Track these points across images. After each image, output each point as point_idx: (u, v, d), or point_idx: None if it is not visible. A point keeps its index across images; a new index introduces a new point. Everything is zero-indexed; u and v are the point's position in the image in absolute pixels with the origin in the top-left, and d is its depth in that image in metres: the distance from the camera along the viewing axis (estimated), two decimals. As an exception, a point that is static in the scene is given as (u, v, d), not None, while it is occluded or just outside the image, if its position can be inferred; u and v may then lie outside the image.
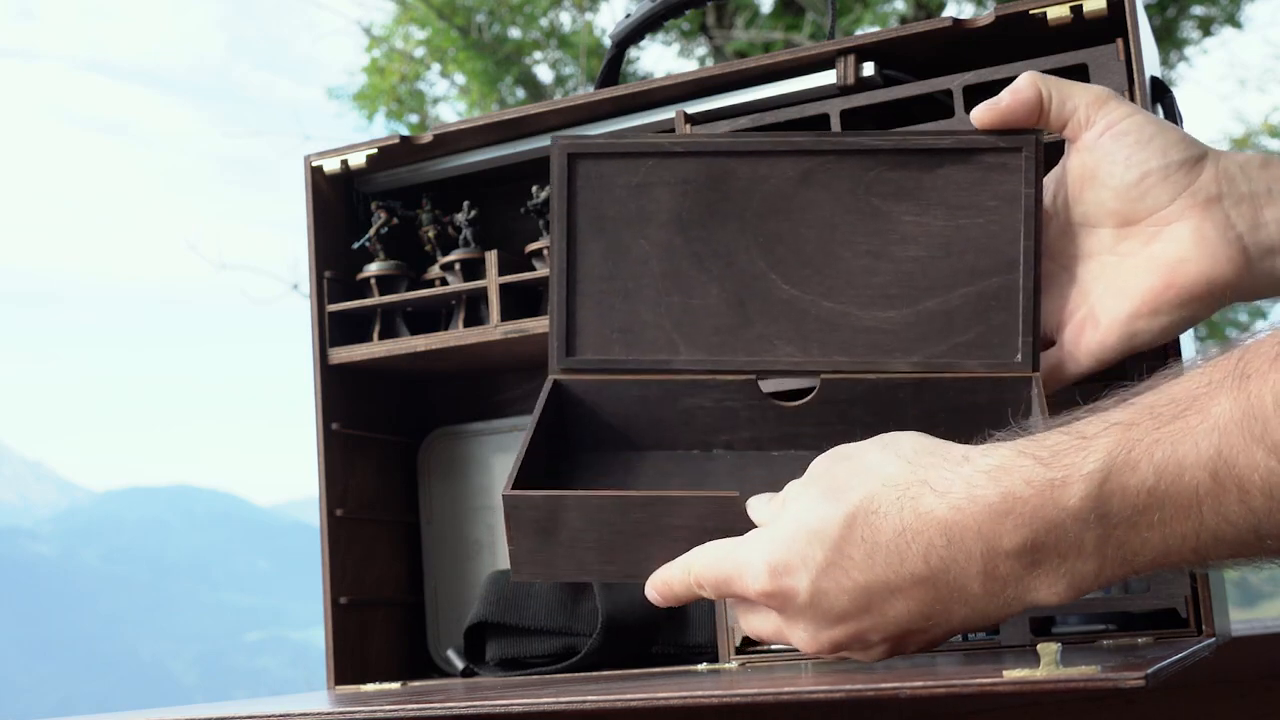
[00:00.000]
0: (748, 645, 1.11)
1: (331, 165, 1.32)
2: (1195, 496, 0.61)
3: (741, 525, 0.78)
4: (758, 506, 0.78)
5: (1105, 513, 0.63)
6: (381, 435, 1.38)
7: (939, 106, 1.12)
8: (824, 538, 0.70)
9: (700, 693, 0.65)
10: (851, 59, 1.14)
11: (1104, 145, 0.86)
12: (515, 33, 8.52)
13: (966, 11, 8.12)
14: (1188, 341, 1.05)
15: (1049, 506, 0.64)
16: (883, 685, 0.61)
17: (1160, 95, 1.08)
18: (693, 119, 1.18)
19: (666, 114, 1.22)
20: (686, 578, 0.78)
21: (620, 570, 0.82)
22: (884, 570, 0.68)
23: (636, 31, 1.26)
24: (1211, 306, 0.84)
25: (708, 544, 0.78)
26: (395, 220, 1.34)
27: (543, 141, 1.29)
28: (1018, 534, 0.65)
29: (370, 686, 1.20)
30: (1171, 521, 0.62)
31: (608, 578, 0.82)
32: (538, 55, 8.71)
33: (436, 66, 8.71)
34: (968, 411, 0.88)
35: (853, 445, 0.75)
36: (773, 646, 1.12)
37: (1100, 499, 0.63)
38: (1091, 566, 0.65)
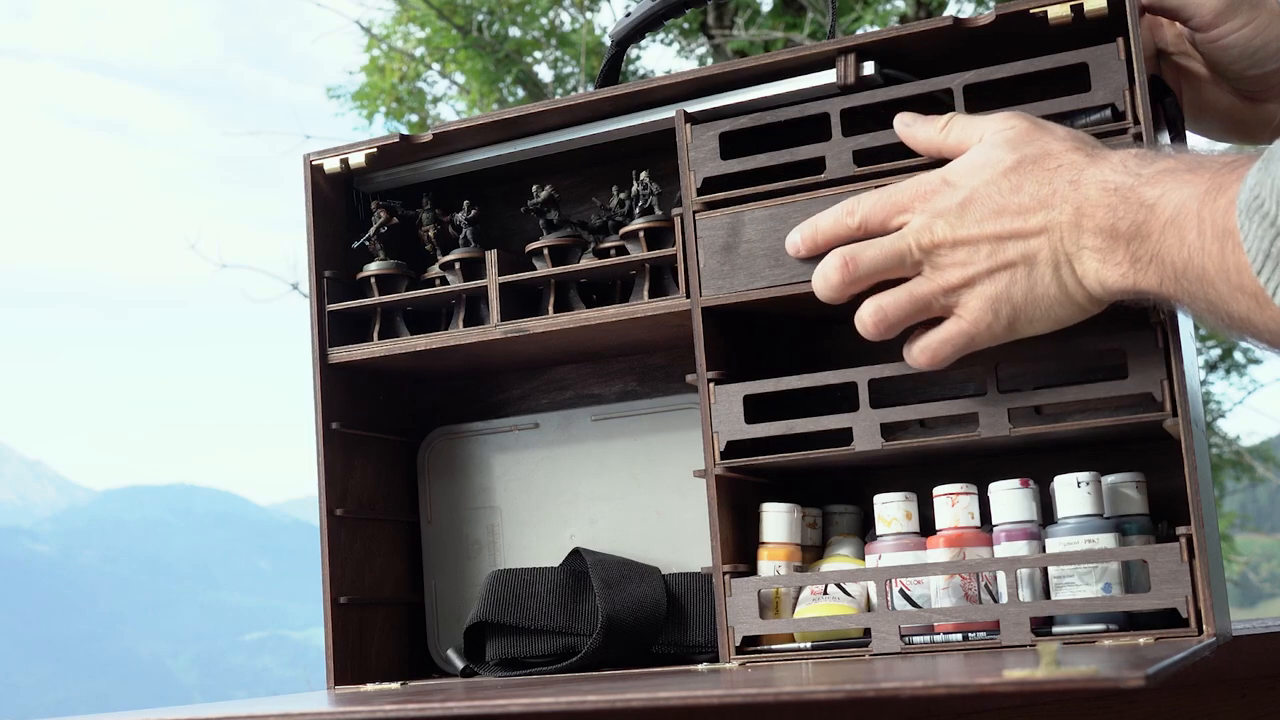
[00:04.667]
0: (747, 645, 1.11)
1: (331, 164, 1.32)
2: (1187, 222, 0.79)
3: None
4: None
5: (1152, 214, 0.83)
6: (381, 435, 1.38)
7: (939, 106, 1.12)
8: (994, 165, 0.93)
9: (700, 693, 0.65)
10: (852, 58, 1.14)
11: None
12: (515, 32, 8.52)
13: (967, 11, 8.11)
14: (1188, 340, 1.05)
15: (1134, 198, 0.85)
16: (883, 685, 0.61)
17: (1161, 95, 1.08)
18: (692, 118, 1.18)
19: (666, 113, 1.22)
20: (838, 209, 1.01)
21: None
22: (1030, 194, 0.91)
23: (637, 30, 1.26)
24: None
25: None
26: (395, 220, 1.34)
27: (538, 141, 1.29)
28: (1104, 202, 0.87)
29: (370, 686, 1.20)
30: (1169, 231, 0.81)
31: None
32: (538, 54, 8.71)
33: (436, 66, 8.70)
34: None
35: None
36: (773, 647, 1.12)
37: (1154, 208, 0.83)
38: (1121, 254, 0.86)
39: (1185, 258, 0.79)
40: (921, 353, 0.99)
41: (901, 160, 1.09)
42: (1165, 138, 1.09)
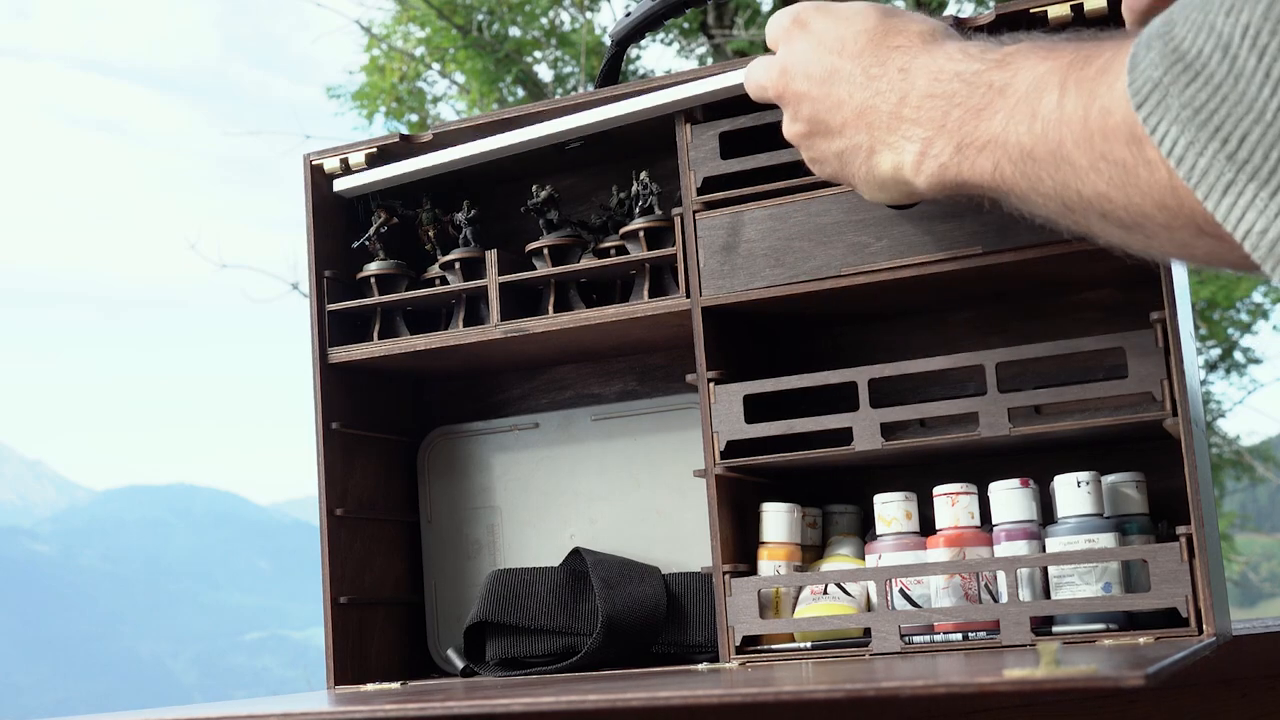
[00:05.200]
0: (747, 645, 1.11)
1: (331, 164, 1.32)
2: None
3: None
4: None
5: (955, 100, 0.80)
6: (381, 435, 1.38)
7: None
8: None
9: (700, 693, 0.65)
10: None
11: None
12: (515, 31, 8.51)
13: (967, 10, 8.11)
14: (1188, 340, 1.05)
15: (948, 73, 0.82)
16: (883, 685, 0.61)
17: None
18: (692, 118, 1.18)
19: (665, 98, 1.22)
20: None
21: None
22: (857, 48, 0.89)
23: (637, 30, 1.26)
24: None
25: None
26: (395, 219, 1.34)
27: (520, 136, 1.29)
28: (929, 82, 0.83)
29: (370, 686, 1.20)
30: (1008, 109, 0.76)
31: None
32: (538, 54, 8.70)
33: (436, 66, 8.70)
34: None
35: None
36: (773, 647, 1.12)
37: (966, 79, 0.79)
38: (941, 144, 0.81)
39: (1038, 133, 0.73)
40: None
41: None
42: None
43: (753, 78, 0.98)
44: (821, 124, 0.91)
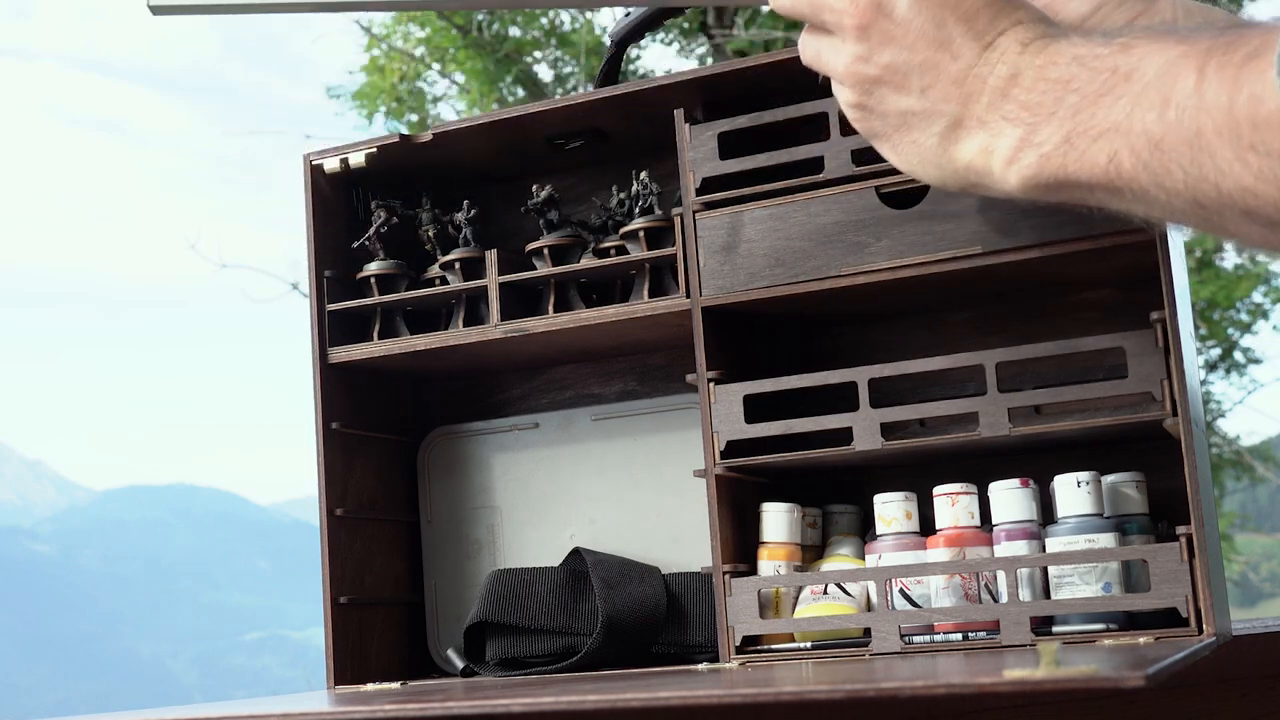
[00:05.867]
0: (747, 645, 1.11)
1: (331, 164, 1.32)
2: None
3: None
4: None
5: (1071, 85, 0.72)
6: (381, 435, 1.38)
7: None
8: None
9: (700, 693, 0.65)
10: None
11: None
12: (515, 31, 8.51)
13: (966, 11, 8.10)
14: (1187, 340, 1.05)
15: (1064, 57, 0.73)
16: (883, 685, 0.61)
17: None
18: (692, 118, 1.18)
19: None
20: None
21: None
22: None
23: (636, 30, 1.26)
24: None
25: None
26: (395, 219, 1.34)
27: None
28: (1033, 67, 0.73)
29: (370, 686, 1.20)
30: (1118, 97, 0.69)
31: None
32: (538, 54, 8.70)
33: (436, 66, 8.70)
34: None
35: None
36: (773, 647, 1.12)
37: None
38: (1048, 132, 0.72)
39: (1170, 121, 0.66)
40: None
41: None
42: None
43: None
44: (900, 76, 0.79)
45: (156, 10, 0.79)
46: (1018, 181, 0.75)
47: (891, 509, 1.12)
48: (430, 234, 1.34)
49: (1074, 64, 0.72)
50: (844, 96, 0.83)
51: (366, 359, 1.30)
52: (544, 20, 8.60)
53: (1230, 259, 7.58)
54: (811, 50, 0.85)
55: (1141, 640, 0.95)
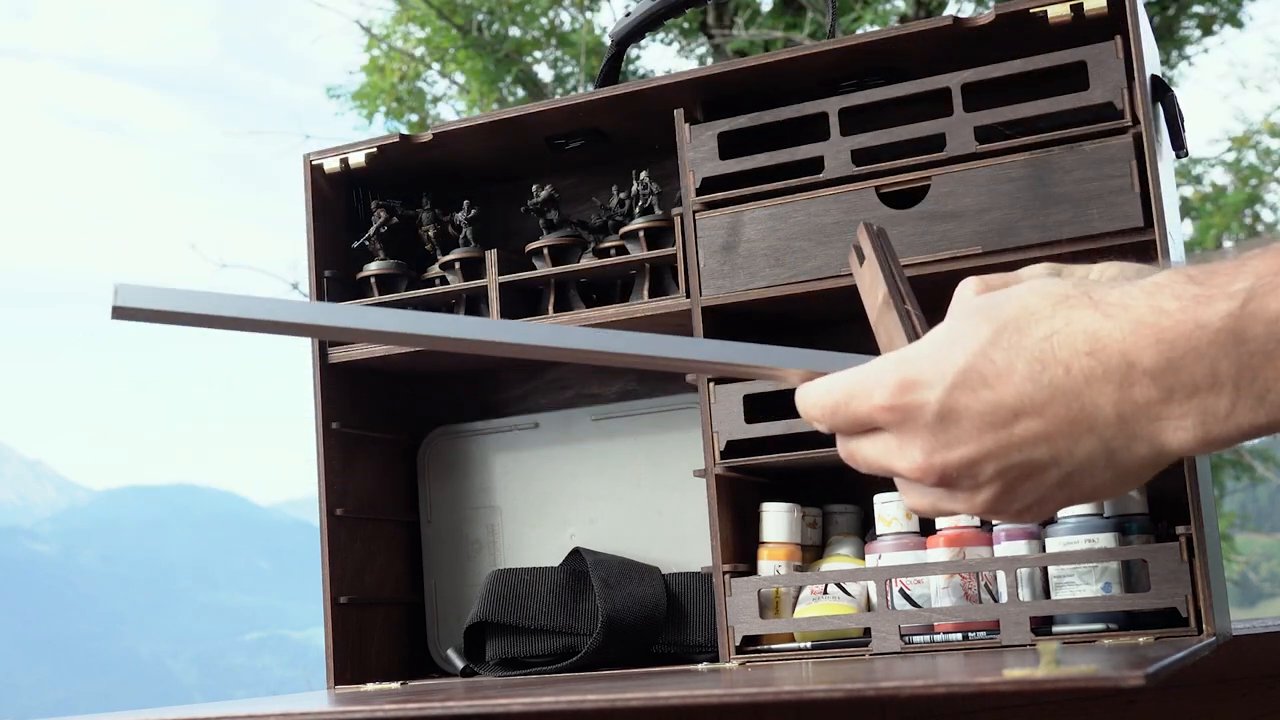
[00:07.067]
0: (747, 645, 1.11)
1: (331, 164, 1.32)
2: None
3: None
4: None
5: (1244, 336, 0.61)
6: (381, 435, 1.38)
7: (938, 104, 1.12)
8: (965, 346, 0.66)
9: (700, 692, 0.65)
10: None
11: None
12: (515, 31, 8.51)
13: (967, 10, 8.12)
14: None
15: (1190, 324, 0.62)
16: (883, 685, 0.61)
17: (1160, 94, 1.08)
18: (692, 118, 1.18)
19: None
20: (803, 398, 0.74)
21: None
22: (1022, 379, 0.65)
23: (636, 30, 1.26)
24: None
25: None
26: (395, 219, 1.34)
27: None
28: (1157, 351, 0.62)
29: (370, 686, 1.20)
30: None
31: None
32: (538, 54, 8.70)
33: (436, 66, 8.70)
34: None
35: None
36: (773, 647, 1.12)
37: (1241, 319, 0.60)
38: (1224, 402, 0.62)
39: None
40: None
41: (900, 159, 1.09)
42: (1165, 138, 1.09)
43: (910, 490, 0.71)
44: (1024, 466, 0.67)
45: (118, 313, 0.80)
46: (1198, 449, 0.66)
47: (891, 509, 1.12)
48: (430, 234, 1.34)
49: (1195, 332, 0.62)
50: (990, 517, 0.72)
51: (366, 359, 1.30)
52: (544, 20, 8.60)
53: (1230, 259, 7.57)
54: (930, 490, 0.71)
55: (1141, 640, 0.95)
